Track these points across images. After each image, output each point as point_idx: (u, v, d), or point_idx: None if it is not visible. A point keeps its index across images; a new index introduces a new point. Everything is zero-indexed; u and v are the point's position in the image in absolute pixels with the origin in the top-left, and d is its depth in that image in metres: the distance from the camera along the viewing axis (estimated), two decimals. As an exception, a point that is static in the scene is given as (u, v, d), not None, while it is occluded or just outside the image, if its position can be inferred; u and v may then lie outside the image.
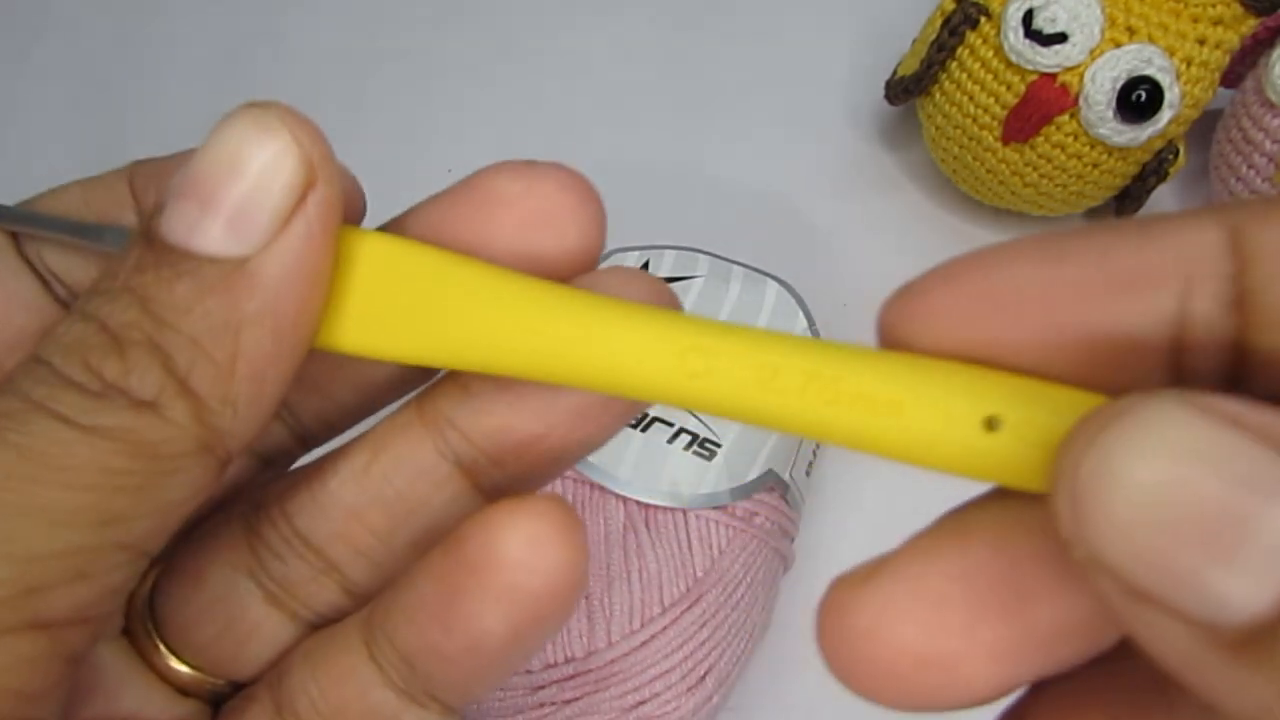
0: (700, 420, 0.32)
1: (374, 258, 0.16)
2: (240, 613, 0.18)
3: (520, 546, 0.15)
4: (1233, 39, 0.35)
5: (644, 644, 0.29)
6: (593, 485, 0.31)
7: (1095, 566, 0.11)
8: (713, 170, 0.43)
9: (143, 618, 0.18)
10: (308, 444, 0.19)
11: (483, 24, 0.47)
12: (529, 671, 0.29)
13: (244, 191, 0.14)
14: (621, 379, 0.15)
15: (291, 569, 0.17)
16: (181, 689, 0.18)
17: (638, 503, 0.31)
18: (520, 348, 0.15)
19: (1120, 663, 0.13)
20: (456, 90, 0.45)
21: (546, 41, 0.46)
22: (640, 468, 0.31)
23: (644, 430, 0.32)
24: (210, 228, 0.14)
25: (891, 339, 0.14)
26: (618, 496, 0.31)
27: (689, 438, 0.32)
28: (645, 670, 0.29)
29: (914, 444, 0.14)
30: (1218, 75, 0.35)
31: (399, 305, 0.15)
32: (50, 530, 0.13)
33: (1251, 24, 0.35)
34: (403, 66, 0.45)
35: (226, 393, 0.14)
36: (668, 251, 0.35)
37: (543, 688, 0.29)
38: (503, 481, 0.17)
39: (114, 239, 0.17)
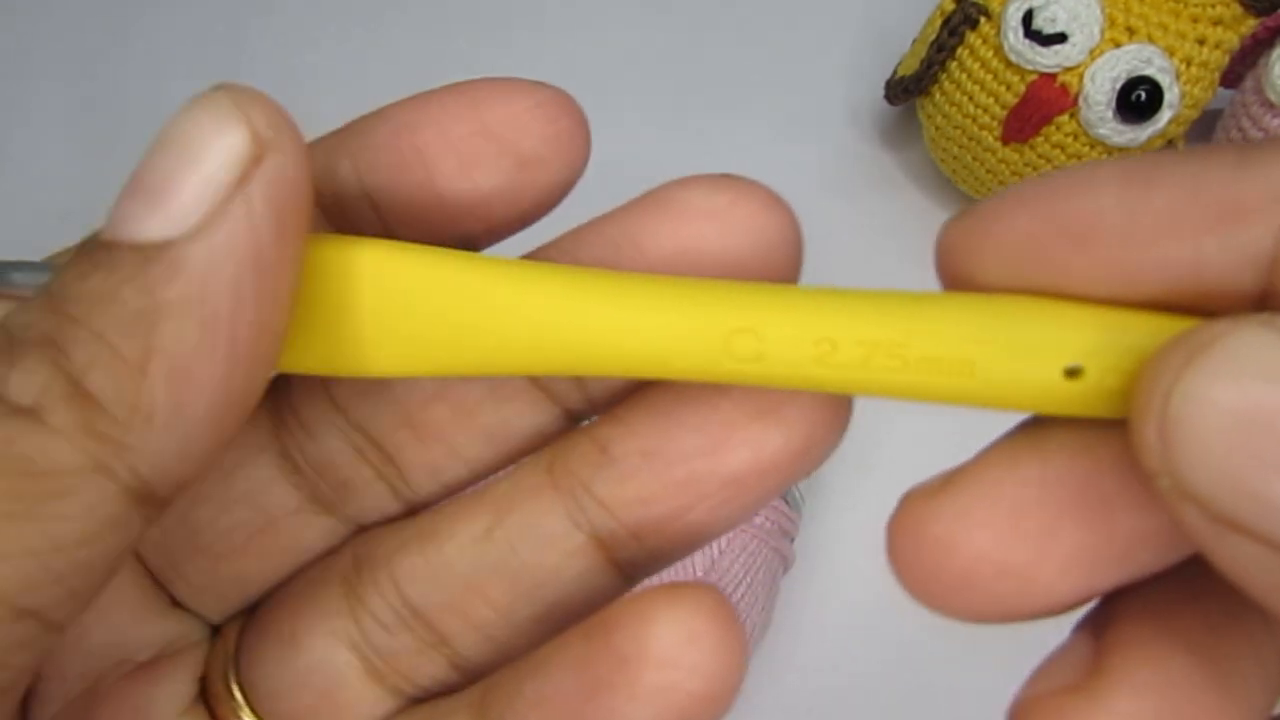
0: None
1: (391, 268, 0.14)
2: (338, 685, 0.16)
3: (677, 642, 0.13)
4: (1232, 39, 0.35)
5: (644, 644, 0.29)
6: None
7: (1182, 496, 0.10)
8: (712, 170, 0.43)
9: (225, 678, 0.16)
10: (415, 510, 0.17)
11: (483, 23, 0.47)
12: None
13: (171, 165, 0.12)
14: (667, 369, 0.14)
15: (397, 640, 0.16)
16: None
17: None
18: (556, 344, 0.14)
19: (1195, 579, 0.12)
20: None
21: (546, 41, 0.46)
22: (640, 468, 0.31)
23: (644, 430, 0.32)
24: (131, 208, 0.12)
25: (951, 270, 0.13)
26: (618, 496, 0.31)
27: (689, 438, 0.32)
28: (645, 670, 0.29)
29: (991, 399, 0.13)
30: (1217, 75, 0.35)
31: (425, 318, 0.14)
32: None
33: (1251, 24, 0.35)
34: (403, 66, 0.45)
35: (136, 397, 0.12)
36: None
37: (543, 688, 0.29)
38: (641, 557, 0.16)
39: (25, 277, 0.15)
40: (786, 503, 0.33)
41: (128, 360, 0.12)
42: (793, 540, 0.34)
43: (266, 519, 0.16)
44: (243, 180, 0.12)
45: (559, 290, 0.14)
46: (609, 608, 0.14)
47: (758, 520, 0.32)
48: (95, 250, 0.12)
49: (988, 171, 0.38)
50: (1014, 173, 0.37)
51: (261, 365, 0.13)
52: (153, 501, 0.12)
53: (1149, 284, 0.12)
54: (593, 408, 0.16)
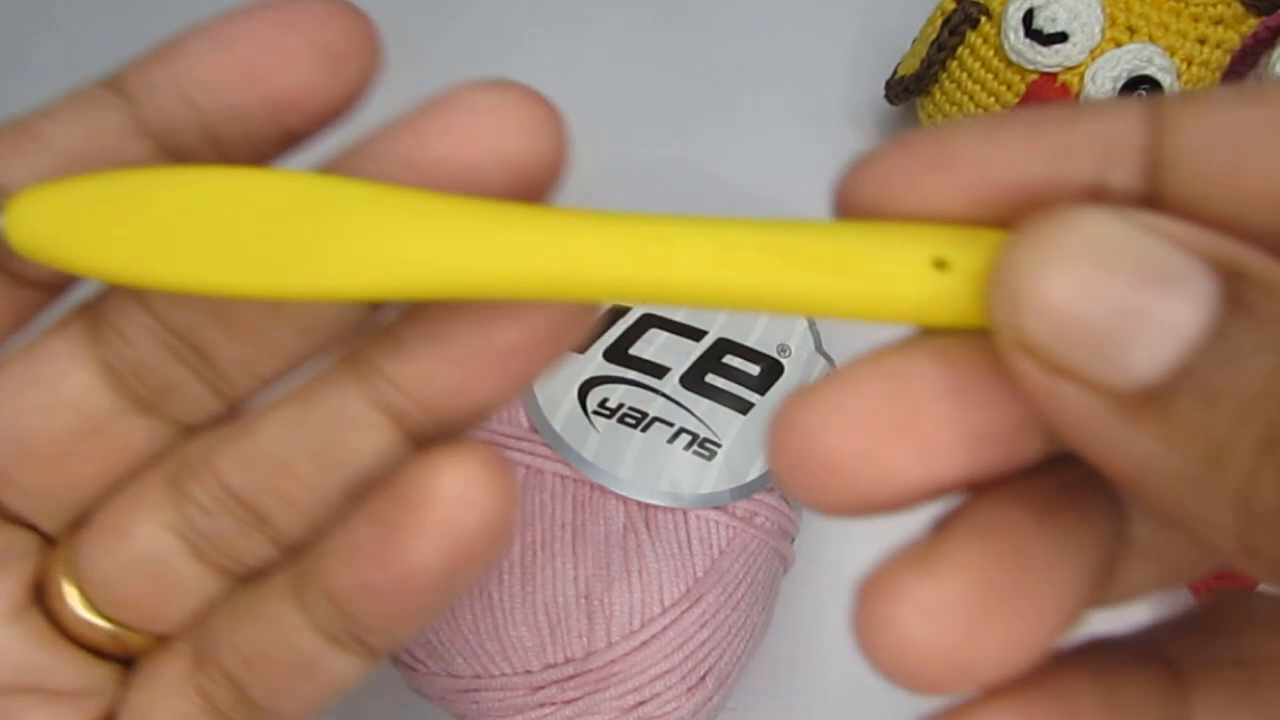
0: (700, 420, 0.32)
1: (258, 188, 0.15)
2: (166, 568, 0.18)
3: (458, 485, 0.16)
4: (1233, 39, 0.35)
5: (644, 644, 0.29)
6: (593, 485, 0.31)
7: (1021, 348, 0.12)
8: (712, 170, 0.43)
9: (57, 576, 0.18)
10: (236, 409, 0.18)
11: (482, 23, 0.47)
12: (529, 671, 0.29)
13: None
14: (579, 277, 0.15)
15: (220, 524, 0.17)
16: (96, 650, 0.18)
17: (638, 503, 0.31)
18: (468, 267, 0.15)
19: (1033, 482, 0.14)
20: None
21: (546, 41, 0.46)
22: (640, 468, 0.31)
23: (644, 430, 0.32)
24: None
25: (847, 204, 0.15)
26: (618, 497, 0.31)
27: (689, 437, 0.32)
28: (645, 670, 0.29)
29: (871, 296, 0.14)
30: (1218, 75, 0.35)
31: (390, 249, 0.15)
32: None
33: (1251, 24, 0.35)
34: (402, 66, 0.45)
35: None
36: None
37: (543, 688, 0.29)
38: (433, 430, 0.17)
39: None
40: (787, 503, 0.33)
41: None
42: (793, 540, 0.34)
43: (90, 423, 0.17)
44: None
45: (472, 220, 0.15)
46: (399, 466, 0.16)
47: (758, 520, 0.32)
48: None
49: (988, 171, 0.38)
50: (1014, 172, 0.37)
51: None
52: None
53: (1002, 203, 0.14)
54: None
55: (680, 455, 0.32)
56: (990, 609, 0.13)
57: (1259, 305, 0.11)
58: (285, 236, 0.15)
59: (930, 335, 0.14)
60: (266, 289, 0.15)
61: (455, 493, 0.16)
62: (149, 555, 0.17)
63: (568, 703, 0.29)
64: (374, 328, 0.17)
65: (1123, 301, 0.12)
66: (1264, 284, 0.12)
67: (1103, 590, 0.14)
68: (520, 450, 0.32)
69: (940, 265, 0.14)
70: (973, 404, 0.13)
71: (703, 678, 0.30)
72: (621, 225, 0.15)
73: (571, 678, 0.29)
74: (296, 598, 0.17)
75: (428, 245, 0.15)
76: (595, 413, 0.32)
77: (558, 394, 0.32)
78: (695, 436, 0.32)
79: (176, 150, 0.17)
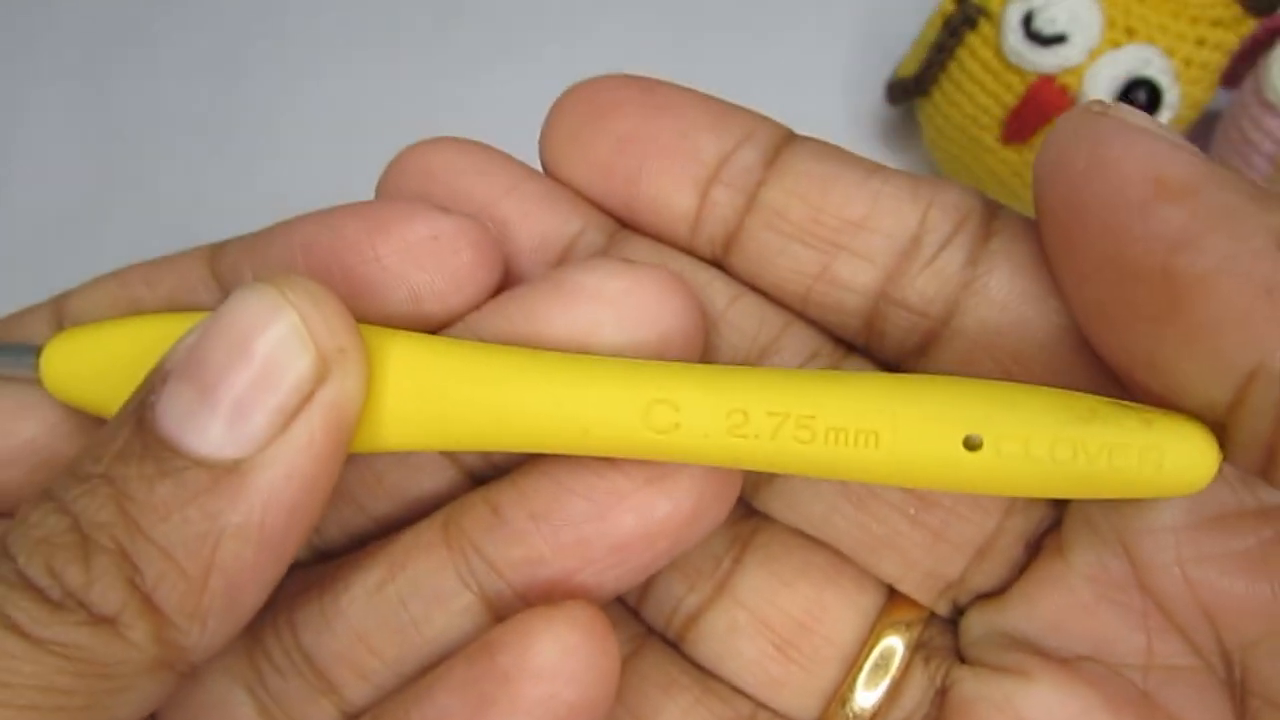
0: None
1: (400, 357, 0.15)
2: None
3: (557, 655, 0.14)
4: (1232, 40, 0.35)
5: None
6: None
7: (1100, 113, 0.14)
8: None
9: None
10: (326, 558, 0.17)
11: (483, 23, 0.47)
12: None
13: (246, 382, 0.13)
14: (589, 443, 0.14)
15: (290, 686, 0.16)
16: None
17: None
18: (492, 423, 0.14)
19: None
20: (456, 89, 0.45)
21: (545, 42, 0.46)
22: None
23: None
24: (206, 424, 0.13)
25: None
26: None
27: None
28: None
29: (896, 471, 0.14)
30: (1217, 76, 0.35)
31: (413, 399, 0.15)
32: None
33: (1251, 25, 0.35)
34: (403, 65, 0.45)
35: (195, 608, 0.13)
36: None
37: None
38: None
39: (3, 359, 0.16)
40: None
41: (191, 579, 0.13)
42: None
43: None
44: (306, 402, 0.13)
45: (483, 371, 0.14)
46: (489, 632, 0.15)
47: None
48: (159, 448, 0.13)
49: (987, 172, 0.38)
50: (1013, 173, 0.37)
51: (290, 561, 0.14)
52: (192, 673, 0.14)
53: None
54: (493, 471, 0.17)
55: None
56: None
57: None
58: None
59: None
60: None
61: (553, 663, 0.14)
62: (217, 706, 0.16)
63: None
64: (475, 498, 0.16)
65: None
66: None
67: None
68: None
69: (971, 445, 0.13)
70: None
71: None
72: (629, 387, 0.14)
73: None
74: None
75: (426, 398, 0.14)
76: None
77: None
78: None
79: None
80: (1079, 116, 0.14)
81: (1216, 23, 0.35)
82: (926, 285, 0.16)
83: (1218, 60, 0.35)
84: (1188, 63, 0.34)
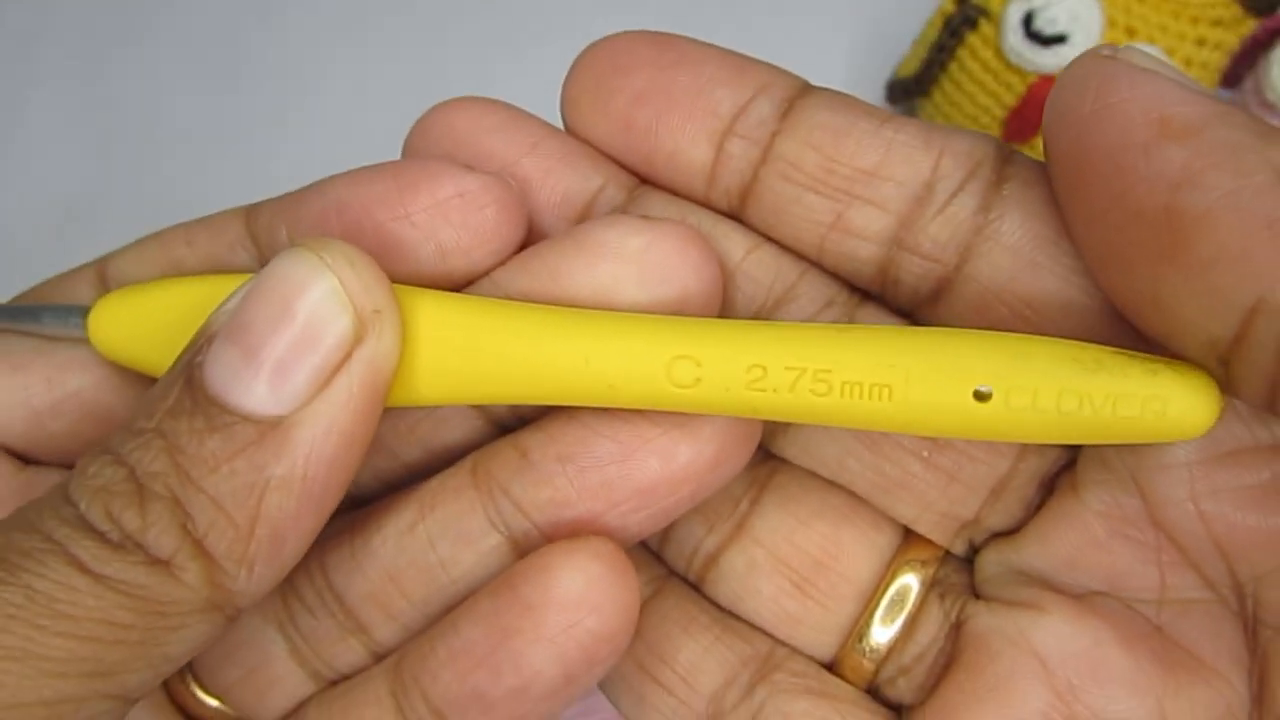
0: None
1: (431, 316, 0.15)
2: (264, 662, 0.17)
3: (579, 586, 0.15)
4: (1232, 40, 0.35)
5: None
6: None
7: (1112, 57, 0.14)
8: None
9: None
10: (361, 504, 0.18)
11: (483, 23, 0.47)
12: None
13: (288, 343, 0.14)
14: (616, 397, 0.15)
15: (320, 624, 0.17)
16: None
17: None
18: (522, 377, 0.15)
19: None
20: (458, 87, 0.45)
21: (545, 43, 0.46)
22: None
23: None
24: (251, 382, 0.14)
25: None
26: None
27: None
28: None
29: (908, 422, 0.14)
30: (1217, 76, 0.35)
31: (445, 356, 0.15)
32: (40, 678, 0.13)
33: (1250, 25, 0.35)
34: (403, 64, 0.45)
35: (243, 554, 0.14)
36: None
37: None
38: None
39: (53, 319, 0.17)
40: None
41: (239, 526, 0.14)
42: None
43: None
44: (345, 361, 0.14)
45: (514, 329, 0.15)
46: (513, 567, 0.15)
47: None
48: (208, 405, 0.14)
49: (987, 172, 0.38)
50: (1014, 173, 0.37)
51: (331, 511, 0.15)
52: (239, 616, 0.14)
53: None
54: (519, 422, 0.17)
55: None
56: None
57: None
58: None
59: None
60: None
61: (576, 594, 0.15)
62: (251, 643, 0.17)
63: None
64: (504, 443, 0.17)
65: None
66: None
67: None
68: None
69: (980, 397, 0.14)
70: None
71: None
72: (653, 343, 0.15)
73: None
74: (395, 705, 0.16)
75: (457, 354, 0.15)
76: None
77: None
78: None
79: None
80: (1088, 61, 0.14)
81: (1216, 23, 0.35)
82: (940, 231, 0.16)
83: (1218, 60, 0.35)
84: (1188, 63, 0.34)
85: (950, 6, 0.36)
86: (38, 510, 0.14)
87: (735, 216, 0.17)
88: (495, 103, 0.18)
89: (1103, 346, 0.14)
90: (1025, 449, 0.17)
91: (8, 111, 0.46)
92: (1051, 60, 0.34)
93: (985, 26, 0.36)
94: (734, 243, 0.17)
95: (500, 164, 0.17)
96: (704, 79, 0.17)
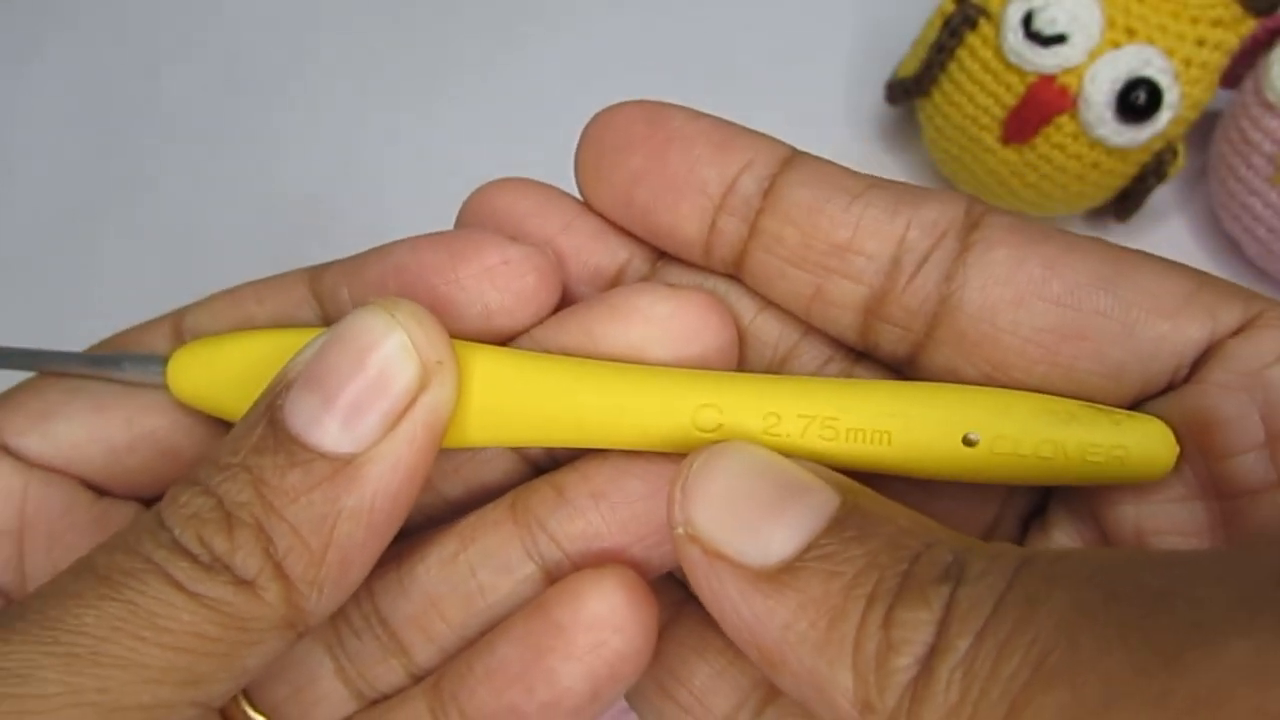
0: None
1: (484, 368, 0.17)
2: (311, 681, 0.19)
3: (605, 609, 0.16)
4: (1232, 40, 0.35)
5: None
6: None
7: (689, 537, 0.15)
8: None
9: None
10: (405, 535, 0.19)
11: (483, 22, 0.47)
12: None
13: (361, 389, 0.15)
14: (647, 440, 0.17)
15: (365, 646, 0.18)
16: None
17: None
18: (563, 423, 0.17)
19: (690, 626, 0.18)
20: (458, 88, 0.45)
21: (545, 44, 0.46)
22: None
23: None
24: (328, 424, 0.15)
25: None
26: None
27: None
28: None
29: (904, 464, 0.16)
30: (1217, 76, 0.35)
31: (495, 403, 0.17)
32: (141, 685, 0.14)
33: (1251, 25, 0.35)
34: (405, 65, 0.45)
35: (315, 577, 0.15)
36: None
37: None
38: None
39: (134, 367, 0.19)
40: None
41: (313, 551, 0.15)
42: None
43: None
44: (410, 407, 0.16)
45: (557, 380, 0.17)
46: (545, 592, 0.17)
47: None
48: (289, 443, 0.15)
49: (987, 172, 0.38)
50: (1013, 174, 0.37)
51: (390, 539, 0.16)
52: (307, 634, 0.16)
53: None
54: (554, 464, 0.19)
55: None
56: None
57: (866, 508, 0.15)
58: None
59: None
60: None
61: (602, 616, 0.16)
62: (299, 662, 0.18)
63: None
64: (542, 482, 0.18)
65: (776, 492, 0.15)
66: (869, 496, 0.15)
67: None
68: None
69: (969, 443, 0.16)
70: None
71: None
72: (681, 395, 0.16)
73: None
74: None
75: (505, 401, 0.17)
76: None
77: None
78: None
79: None
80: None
81: (1216, 23, 0.35)
82: (909, 301, 0.17)
83: (1218, 60, 0.35)
84: (1188, 63, 0.34)
85: (950, 6, 0.36)
86: (136, 535, 0.15)
87: (736, 278, 0.19)
88: (532, 183, 0.20)
89: (1075, 400, 0.17)
90: (1011, 494, 0.19)
91: (8, 111, 0.46)
92: (1051, 60, 0.34)
93: (985, 26, 0.36)
94: (744, 306, 0.19)
95: (538, 242, 0.19)
96: (693, 159, 0.18)
